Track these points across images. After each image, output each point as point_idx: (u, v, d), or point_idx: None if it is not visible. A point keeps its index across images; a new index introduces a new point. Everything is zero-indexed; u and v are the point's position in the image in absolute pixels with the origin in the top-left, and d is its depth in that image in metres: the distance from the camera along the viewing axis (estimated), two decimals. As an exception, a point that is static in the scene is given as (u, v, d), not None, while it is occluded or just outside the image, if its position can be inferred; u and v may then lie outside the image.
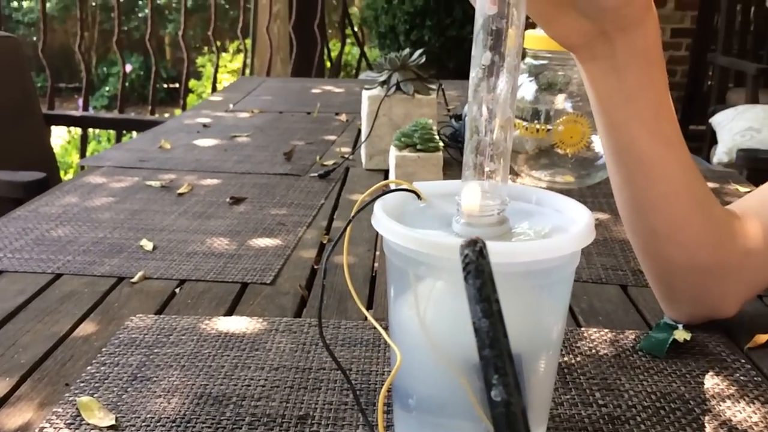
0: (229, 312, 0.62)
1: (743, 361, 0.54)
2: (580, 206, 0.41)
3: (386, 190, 0.43)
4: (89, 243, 0.76)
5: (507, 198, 0.40)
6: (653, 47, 0.50)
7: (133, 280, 0.67)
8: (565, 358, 0.54)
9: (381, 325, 0.41)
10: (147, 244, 0.75)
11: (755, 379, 0.52)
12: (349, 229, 0.43)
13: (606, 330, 0.59)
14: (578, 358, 0.54)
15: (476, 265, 0.21)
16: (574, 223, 0.40)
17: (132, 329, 0.58)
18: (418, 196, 0.44)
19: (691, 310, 0.59)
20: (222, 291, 0.66)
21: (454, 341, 0.40)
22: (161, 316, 0.60)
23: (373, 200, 0.42)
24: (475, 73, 0.36)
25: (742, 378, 0.52)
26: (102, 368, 0.52)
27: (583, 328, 0.59)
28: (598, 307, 0.64)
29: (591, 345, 0.56)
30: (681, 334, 0.55)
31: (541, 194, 0.44)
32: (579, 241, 0.37)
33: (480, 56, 0.35)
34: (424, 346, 0.40)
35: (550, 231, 0.41)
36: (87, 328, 0.58)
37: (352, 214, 0.42)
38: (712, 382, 0.52)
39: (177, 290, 0.66)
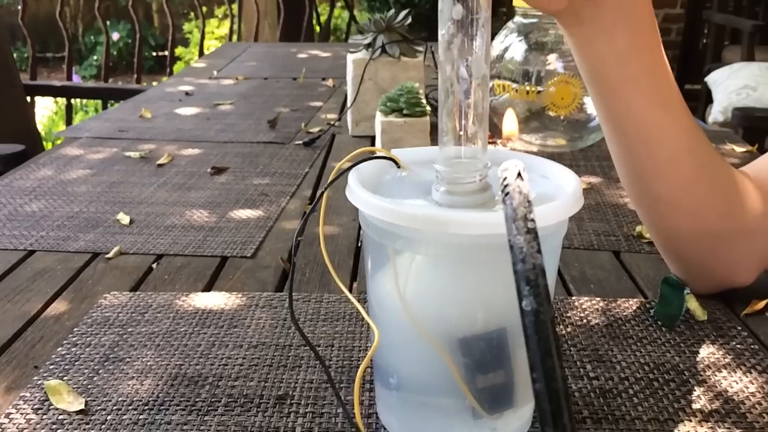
0: (208, 287, 0.60)
1: (740, 328, 0.52)
2: (567, 171, 0.39)
3: (364, 158, 0.40)
4: (64, 218, 0.73)
5: (489, 162, 0.37)
6: (643, 4, 0.47)
7: (108, 255, 0.65)
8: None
9: (362, 300, 0.39)
10: (124, 218, 0.73)
11: (752, 347, 0.50)
12: (325, 199, 0.40)
13: (598, 298, 0.57)
14: (569, 329, 0.52)
15: (513, 186, 0.22)
16: (561, 190, 0.37)
17: (105, 307, 0.55)
18: (397, 164, 0.42)
19: (705, 280, 0.56)
20: (201, 265, 0.63)
21: (436, 317, 0.38)
22: (137, 293, 0.58)
23: (350, 168, 0.39)
24: (445, 29, 0.33)
25: (738, 346, 0.50)
26: (73, 349, 0.50)
27: (574, 298, 0.57)
28: (590, 275, 0.62)
29: (582, 315, 0.54)
30: (697, 308, 0.54)
31: (527, 159, 0.41)
32: (566, 210, 0.35)
33: (449, 10, 0.32)
34: (404, 322, 0.38)
35: (535, 198, 0.38)
36: (59, 306, 0.56)
37: (327, 183, 0.39)
38: (707, 351, 0.50)
39: (154, 266, 0.63)
